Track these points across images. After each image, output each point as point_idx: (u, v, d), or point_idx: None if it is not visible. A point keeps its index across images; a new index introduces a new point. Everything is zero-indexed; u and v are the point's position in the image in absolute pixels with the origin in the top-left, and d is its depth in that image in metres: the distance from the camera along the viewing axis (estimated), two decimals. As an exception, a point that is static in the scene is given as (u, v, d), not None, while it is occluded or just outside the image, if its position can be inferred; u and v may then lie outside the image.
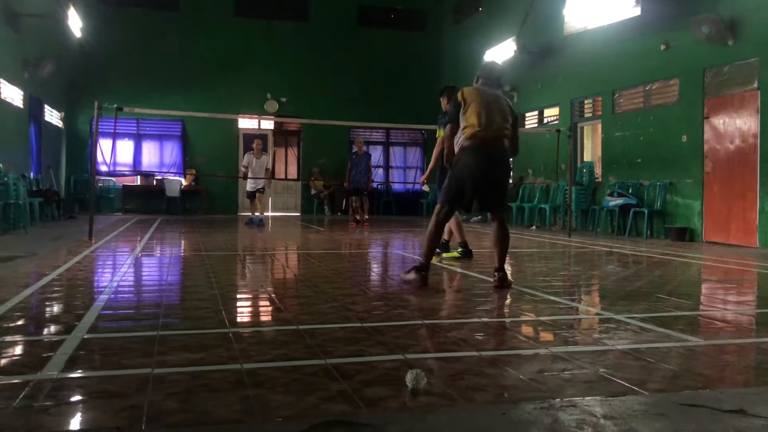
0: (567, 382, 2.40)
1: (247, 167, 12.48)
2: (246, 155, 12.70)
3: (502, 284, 4.68)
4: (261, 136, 16.72)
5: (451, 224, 6.54)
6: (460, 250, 6.75)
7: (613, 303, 4.21)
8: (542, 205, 12.89)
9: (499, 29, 14.79)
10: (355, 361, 2.66)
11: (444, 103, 6.72)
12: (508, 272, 5.08)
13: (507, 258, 5.00)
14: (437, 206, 4.86)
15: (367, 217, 13.08)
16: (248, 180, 12.50)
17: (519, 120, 5.00)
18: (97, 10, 15.97)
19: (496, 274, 4.74)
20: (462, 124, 4.73)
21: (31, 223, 9.94)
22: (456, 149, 4.78)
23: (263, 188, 12.63)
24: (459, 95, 4.79)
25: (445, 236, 6.79)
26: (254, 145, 12.61)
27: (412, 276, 4.71)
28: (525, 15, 13.66)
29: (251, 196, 12.65)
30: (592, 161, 12.39)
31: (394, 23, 18.77)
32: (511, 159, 5.04)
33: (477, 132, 4.61)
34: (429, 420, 2.02)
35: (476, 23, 16.55)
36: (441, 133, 6.50)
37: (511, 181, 12.09)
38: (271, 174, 13.27)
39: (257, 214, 12.51)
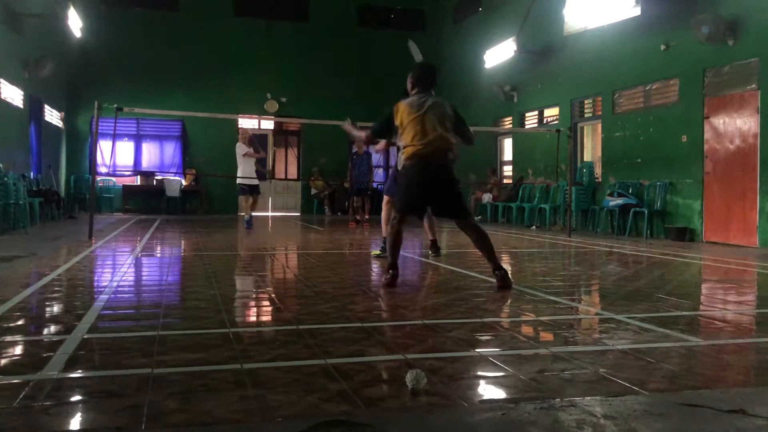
0: (567, 382, 2.40)
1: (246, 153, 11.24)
2: (238, 145, 11.36)
3: (505, 284, 4.68)
4: (261, 136, 16.73)
5: (424, 223, 6.80)
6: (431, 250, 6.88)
7: (613, 303, 4.21)
8: (542, 205, 12.89)
9: (499, 29, 14.79)
10: (355, 361, 2.65)
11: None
12: (514, 273, 5.07)
13: (506, 258, 5.01)
14: (393, 215, 5.02)
15: (367, 217, 13.08)
16: (245, 174, 11.23)
17: (464, 120, 5.10)
18: (97, 10, 15.98)
19: (496, 274, 4.75)
20: (400, 143, 4.96)
21: (31, 223, 9.94)
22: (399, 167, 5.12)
23: (257, 186, 11.52)
24: (394, 109, 4.97)
25: (429, 236, 6.91)
26: (240, 134, 11.50)
27: (385, 276, 4.86)
28: (525, 15, 13.66)
29: (245, 191, 11.48)
30: (592, 161, 12.39)
31: (394, 23, 18.76)
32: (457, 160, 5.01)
33: (415, 151, 4.76)
34: (429, 420, 2.02)
35: (476, 23, 16.54)
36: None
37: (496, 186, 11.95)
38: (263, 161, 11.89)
39: (243, 213, 11.65)
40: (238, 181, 11.51)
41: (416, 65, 5.55)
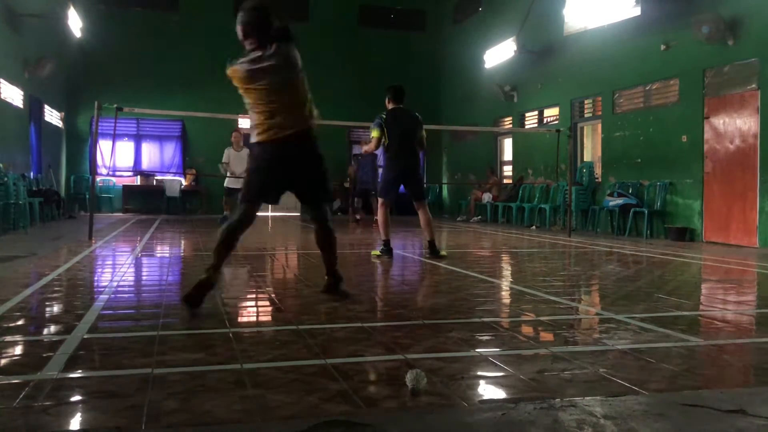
0: (567, 382, 2.40)
1: (227, 163, 11.09)
2: (225, 150, 11.19)
3: (329, 290, 4.15)
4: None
5: (380, 221, 6.80)
6: (382, 248, 6.79)
7: (613, 303, 4.21)
8: (542, 205, 12.89)
9: (499, 29, 14.79)
10: (355, 361, 2.65)
11: (387, 101, 6.91)
12: (514, 273, 5.05)
13: (506, 258, 4.98)
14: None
15: (376, 218, 13.01)
16: (228, 177, 11.11)
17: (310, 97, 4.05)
18: (97, 10, 15.97)
19: (326, 277, 4.20)
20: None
21: (31, 223, 9.94)
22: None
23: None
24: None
25: (428, 236, 6.80)
26: (233, 138, 11.29)
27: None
28: (525, 15, 13.67)
29: (232, 193, 10.98)
30: (592, 161, 12.39)
31: (394, 23, 18.77)
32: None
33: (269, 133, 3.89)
34: (429, 420, 2.02)
35: (476, 23, 16.55)
36: (375, 134, 6.72)
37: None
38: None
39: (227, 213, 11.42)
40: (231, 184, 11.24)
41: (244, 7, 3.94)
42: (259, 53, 3.79)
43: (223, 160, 11.17)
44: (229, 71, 3.83)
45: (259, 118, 3.88)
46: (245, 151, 11.06)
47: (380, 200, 6.95)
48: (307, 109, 3.96)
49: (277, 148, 3.89)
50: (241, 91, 3.90)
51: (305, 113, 3.95)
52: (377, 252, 6.81)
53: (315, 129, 4.04)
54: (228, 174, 11.09)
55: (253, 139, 3.97)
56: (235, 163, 10.98)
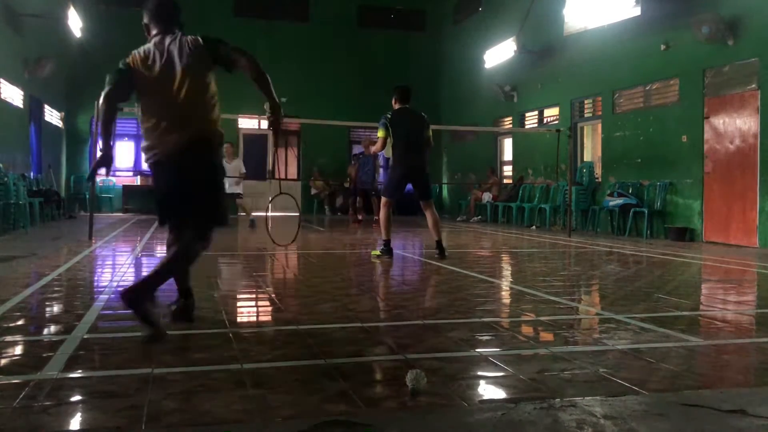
0: (567, 382, 2.40)
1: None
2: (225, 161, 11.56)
3: (176, 316, 3.43)
4: (261, 136, 16.73)
5: (381, 221, 6.81)
6: (382, 248, 6.78)
7: (613, 303, 4.21)
8: (542, 205, 12.89)
9: (499, 29, 14.79)
10: (355, 361, 2.65)
11: (393, 102, 6.90)
12: (514, 273, 5.03)
13: (506, 258, 4.97)
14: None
15: (376, 218, 12.99)
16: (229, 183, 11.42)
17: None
18: (97, 10, 15.97)
19: (180, 300, 3.50)
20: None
21: (31, 223, 9.94)
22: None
23: (240, 194, 11.83)
24: None
25: (435, 236, 6.79)
26: (225, 150, 11.38)
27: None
28: (525, 15, 13.67)
29: (231, 198, 11.63)
30: (592, 161, 12.39)
31: (394, 23, 18.76)
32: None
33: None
34: (429, 420, 2.02)
35: (476, 23, 16.54)
36: (380, 134, 6.72)
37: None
38: (244, 176, 11.88)
39: (246, 214, 12.03)
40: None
41: None
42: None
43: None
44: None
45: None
46: (237, 162, 11.45)
47: (384, 199, 6.93)
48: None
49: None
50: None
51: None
52: (377, 252, 6.80)
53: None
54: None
55: (218, 138, 3.50)
56: (228, 173, 11.14)
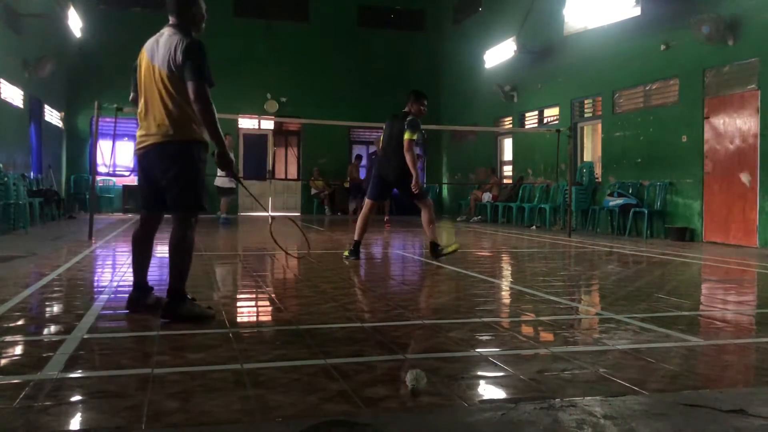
0: (567, 382, 2.40)
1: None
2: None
3: (165, 315, 3.36)
4: (261, 136, 16.71)
5: (358, 220, 6.80)
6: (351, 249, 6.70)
7: (613, 303, 4.21)
8: (542, 205, 12.89)
9: (499, 29, 14.79)
10: (355, 361, 2.65)
11: (409, 105, 6.74)
12: (514, 273, 5.02)
13: (506, 258, 4.96)
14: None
15: (387, 218, 12.94)
16: (219, 176, 12.12)
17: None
18: (97, 10, 15.97)
19: (165, 298, 3.46)
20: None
21: (31, 223, 9.93)
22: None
23: (235, 188, 12.27)
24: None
25: (429, 235, 6.71)
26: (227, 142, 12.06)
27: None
28: (525, 15, 13.66)
29: (226, 193, 12.52)
30: (592, 161, 12.39)
31: (394, 23, 18.76)
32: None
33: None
34: (429, 420, 2.02)
35: (476, 23, 16.55)
36: (409, 136, 6.48)
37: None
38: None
39: (222, 214, 12.57)
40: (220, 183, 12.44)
41: None
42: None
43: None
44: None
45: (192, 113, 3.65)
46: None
47: (367, 200, 6.91)
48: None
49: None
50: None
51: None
52: (346, 252, 6.74)
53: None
54: (218, 174, 12.00)
55: (188, 136, 3.68)
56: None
